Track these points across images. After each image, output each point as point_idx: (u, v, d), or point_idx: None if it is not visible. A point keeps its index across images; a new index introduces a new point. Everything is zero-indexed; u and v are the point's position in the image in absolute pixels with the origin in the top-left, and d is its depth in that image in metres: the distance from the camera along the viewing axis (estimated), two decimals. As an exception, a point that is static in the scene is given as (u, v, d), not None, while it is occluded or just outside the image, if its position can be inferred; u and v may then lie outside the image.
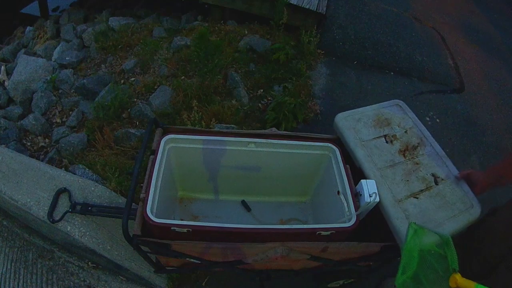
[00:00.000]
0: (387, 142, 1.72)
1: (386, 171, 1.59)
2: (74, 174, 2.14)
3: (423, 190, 1.54)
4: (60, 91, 3.51)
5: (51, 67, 3.86)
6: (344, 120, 1.80)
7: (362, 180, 1.52)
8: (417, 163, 1.64)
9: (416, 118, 1.85)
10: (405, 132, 1.77)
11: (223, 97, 3.12)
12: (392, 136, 1.74)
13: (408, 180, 1.56)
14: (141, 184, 1.55)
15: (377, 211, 1.53)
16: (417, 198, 1.50)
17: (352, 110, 1.86)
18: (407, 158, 1.66)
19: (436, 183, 1.57)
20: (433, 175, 1.60)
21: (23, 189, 1.90)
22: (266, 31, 3.93)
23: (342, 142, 1.77)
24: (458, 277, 1.16)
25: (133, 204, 1.44)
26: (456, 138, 3.27)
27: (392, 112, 1.87)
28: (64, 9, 5.71)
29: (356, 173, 1.65)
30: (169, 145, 1.71)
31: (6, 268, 1.85)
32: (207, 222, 1.46)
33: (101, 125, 2.86)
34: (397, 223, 1.41)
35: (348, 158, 1.74)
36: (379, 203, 1.49)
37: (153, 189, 1.48)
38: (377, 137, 1.73)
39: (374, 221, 1.58)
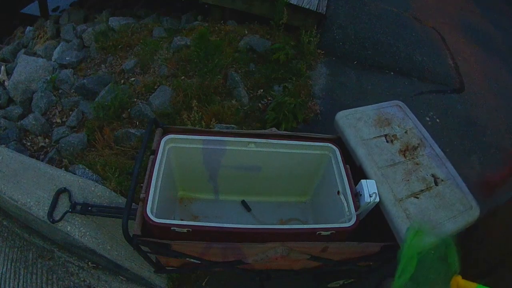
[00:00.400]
0: (387, 141, 1.72)
1: (386, 170, 1.59)
2: (74, 174, 2.14)
3: (423, 190, 1.54)
4: (60, 91, 3.51)
5: (51, 67, 3.86)
6: (345, 118, 1.79)
7: (362, 180, 1.52)
8: (417, 164, 1.64)
9: (416, 119, 1.85)
10: (405, 132, 1.77)
11: (223, 97, 3.12)
12: (393, 136, 1.74)
13: (408, 180, 1.56)
14: (141, 184, 1.55)
15: (378, 210, 1.53)
16: (418, 198, 1.50)
17: (353, 109, 1.86)
18: (407, 158, 1.66)
19: (436, 183, 1.57)
20: (433, 175, 1.60)
21: (23, 189, 1.90)
22: (266, 31, 3.93)
23: (343, 140, 1.77)
24: (459, 279, 1.16)
25: (133, 204, 1.44)
26: (456, 138, 3.27)
27: (392, 112, 1.87)
28: (64, 9, 5.70)
29: (356, 173, 1.65)
30: (169, 145, 1.71)
31: (6, 268, 1.85)
32: (207, 222, 1.46)
33: (101, 125, 2.86)
34: (398, 222, 1.41)
35: (348, 158, 1.74)
36: (380, 202, 1.49)
37: (153, 189, 1.48)
38: (378, 136, 1.73)
39: (374, 221, 1.58)
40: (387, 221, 1.48)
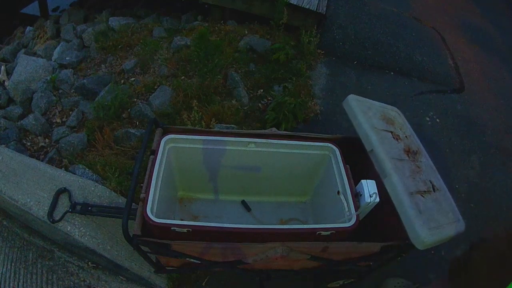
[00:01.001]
0: (394, 138, 1.71)
1: (397, 162, 1.56)
2: (74, 174, 2.14)
3: (425, 191, 1.54)
4: (60, 91, 3.51)
5: (51, 67, 3.86)
6: (357, 102, 1.74)
7: (362, 180, 1.52)
8: (418, 167, 1.64)
9: (411, 129, 1.85)
10: (406, 137, 1.77)
11: (223, 97, 3.12)
12: (397, 135, 1.74)
13: (414, 178, 1.55)
14: (141, 184, 1.55)
15: (379, 209, 1.52)
16: (423, 196, 1.50)
17: (362, 97, 1.81)
18: (411, 159, 1.66)
19: (434, 190, 1.57)
20: (430, 182, 1.60)
21: (23, 189, 1.90)
22: (266, 31, 3.92)
23: (353, 123, 1.70)
24: None
25: (133, 204, 1.44)
26: (456, 138, 3.27)
27: (393, 115, 1.87)
28: (64, 9, 5.70)
29: (357, 173, 1.65)
30: (169, 145, 1.71)
31: (6, 268, 1.85)
32: (207, 222, 1.46)
33: (101, 125, 2.86)
34: (412, 214, 1.37)
35: (348, 158, 1.73)
36: (394, 190, 1.44)
37: (153, 189, 1.48)
38: (386, 130, 1.70)
39: (374, 221, 1.58)
40: (398, 212, 1.42)
